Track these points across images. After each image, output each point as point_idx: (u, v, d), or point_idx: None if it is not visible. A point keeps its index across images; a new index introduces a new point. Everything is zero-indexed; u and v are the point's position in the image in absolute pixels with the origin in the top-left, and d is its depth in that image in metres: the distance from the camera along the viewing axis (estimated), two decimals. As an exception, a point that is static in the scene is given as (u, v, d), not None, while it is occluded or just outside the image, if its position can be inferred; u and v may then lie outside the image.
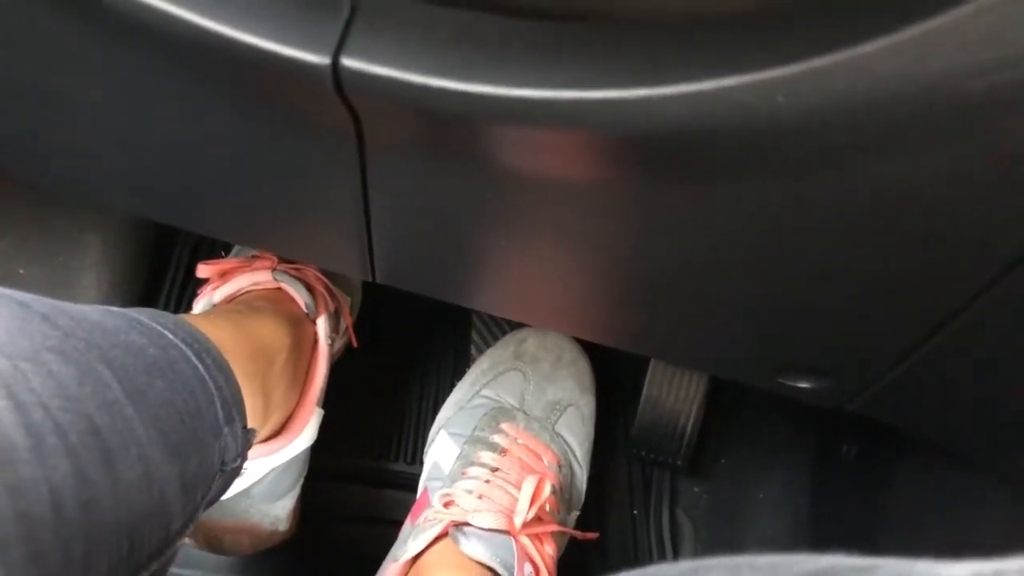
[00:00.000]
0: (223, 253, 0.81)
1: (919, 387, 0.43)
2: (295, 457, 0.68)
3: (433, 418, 0.76)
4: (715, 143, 0.28)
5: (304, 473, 0.71)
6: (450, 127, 0.32)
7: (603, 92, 0.27)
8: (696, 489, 0.85)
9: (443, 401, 0.77)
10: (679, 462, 0.81)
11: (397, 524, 0.70)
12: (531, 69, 0.28)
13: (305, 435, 0.67)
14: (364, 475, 0.82)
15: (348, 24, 0.30)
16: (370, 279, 0.50)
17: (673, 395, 0.78)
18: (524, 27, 0.29)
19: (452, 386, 0.78)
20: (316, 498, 0.76)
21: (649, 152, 0.29)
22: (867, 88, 0.25)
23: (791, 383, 0.45)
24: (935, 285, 0.36)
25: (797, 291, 0.38)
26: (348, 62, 0.30)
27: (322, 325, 0.71)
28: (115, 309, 0.46)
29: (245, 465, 0.59)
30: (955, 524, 0.57)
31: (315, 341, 0.71)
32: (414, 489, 0.74)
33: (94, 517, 0.33)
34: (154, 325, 0.47)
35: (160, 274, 0.88)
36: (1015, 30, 0.23)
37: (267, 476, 0.66)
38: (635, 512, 0.84)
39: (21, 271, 0.83)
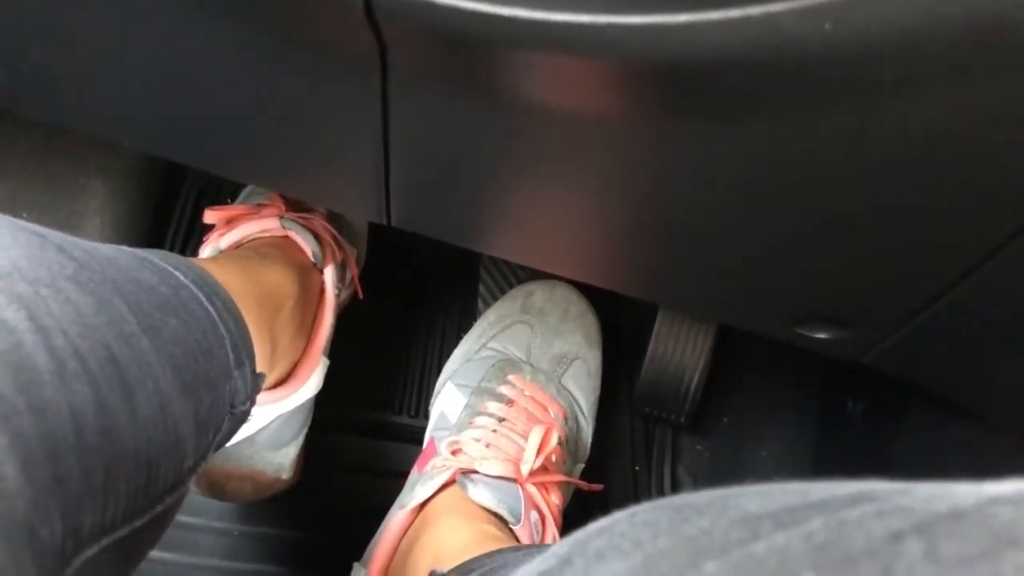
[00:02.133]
0: (229, 200, 0.80)
1: (935, 340, 0.43)
2: (300, 405, 0.68)
3: (438, 372, 0.76)
4: (758, 72, 0.27)
5: (308, 422, 0.71)
6: (478, 56, 0.31)
7: (644, 17, 0.26)
8: (698, 447, 0.85)
9: (449, 354, 0.77)
10: (682, 419, 0.81)
11: (401, 476, 0.70)
12: (569, -7, 0.28)
13: (311, 384, 0.67)
14: (369, 427, 0.82)
15: (380, -52, 0.29)
16: (384, 222, 0.50)
17: (678, 353, 0.78)
18: (562, -49, 0.28)
19: (458, 339, 0.78)
20: (320, 449, 0.76)
21: (686, 84, 0.29)
22: (916, 15, 0.24)
23: (809, 333, 0.45)
24: (960, 233, 0.35)
25: (820, 237, 0.38)
26: (380, -14, 0.29)
27: (329, 274, 0.70)
28: (126, 248, 0.45)
29: (252, 412, 0.59)
30: (961, 480, 0.57)
31: (322, 290, 0.71)
32: (418, 441, 0.74)
33: (114, 446, 0.33)
34: (165, 265, 0.47)
35: (165, 221, 0.88)
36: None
37: (272, 423, 0.66)
38: (637, 468, 0.84)
39: (24, 215, 0.83)
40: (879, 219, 0.35)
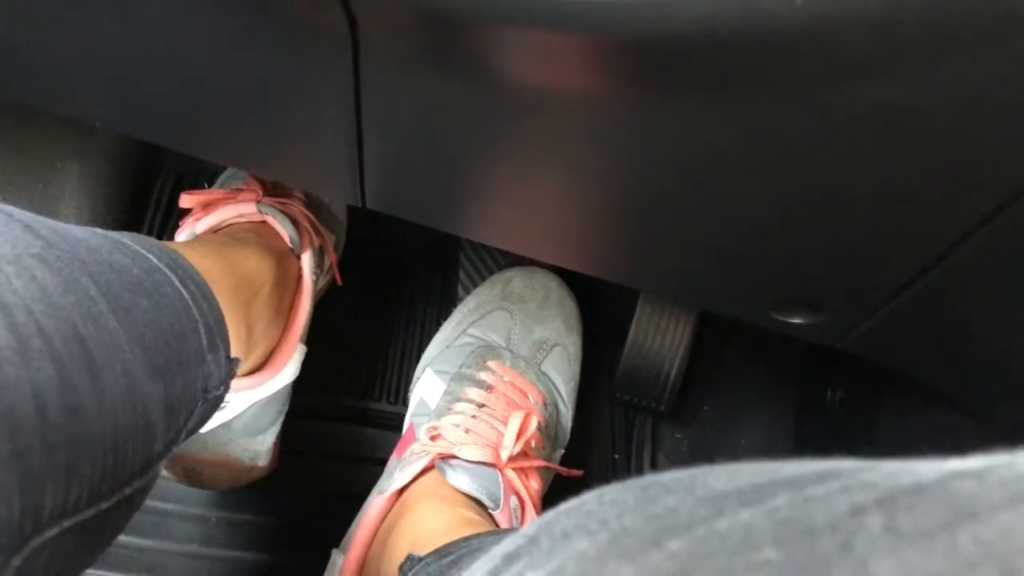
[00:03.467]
0: (206, 184, 0.79)
1: (912, 325, 0.43)
2: (277, 392, 0.67)
3: (418, 358, 0.76)
4: (729, 49, 0.27)
5: (285, 409, 0.70)
6: (449, 31, 0.31)
7: (615, -9, 0.26)
8: (678, 435, 0.85)
9: (428, 341, 0.76)
10: (662, 407, 0.81)
11: (380, 462, 0.70)
12: (539, -33, 0.27)
13: (288, 370, 0.67)
14: (347, 413, 0.82)
15: (349, -81, 0.29)
16: (359, 204, 0.49)
17: (658, 341, 0.78)
18: (533, -75, 0.28)
19: (438, 326, 0.77)
20: (298, 435, 0.76)
21: (659, 59, 0.28)
22: (890, -7, 0.24)
23: (785, 319, 0.44)
24: (934, 216, 0.35)
25: (793, 219, 0.37)
26: (349, -42, 0.29)
27: (307, 260, 0.70)
28: (98, 230, 0.45)
29: (227, 398, 0.58)
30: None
31: (299, 276, 0.70)
32: (397, 428, 0.73)
33: (79, 425, 0.33)
34: (138, 248, 0.46)
35: (142, 204, 0.87)
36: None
37: (248, 410, 0.66)
38: (616, 455, 0.84)
39: (0, 197, 0.82)
40: (851, 203, 0.34)
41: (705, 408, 0.84)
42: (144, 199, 0.87)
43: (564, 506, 0.26)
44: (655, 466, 0.83)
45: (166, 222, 0.87)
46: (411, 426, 0.69)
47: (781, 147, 0.32)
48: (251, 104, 0.43)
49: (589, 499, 0.26)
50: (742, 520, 0.20)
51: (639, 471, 0.82)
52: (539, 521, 0.26)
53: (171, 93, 0.44)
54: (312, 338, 0.70)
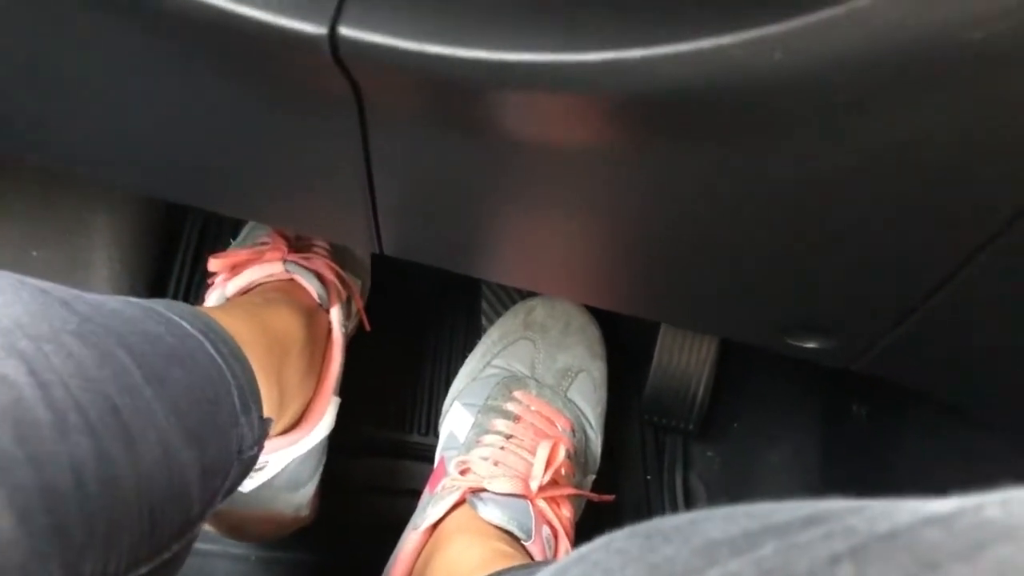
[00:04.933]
0: (231, 240, 0.81)
1: (923, 345, 0.44)
2: (315, 446, 0.68)
3: (446, 389, 0.77)
4: (714, 103, 0.28)
5: (324, 459, 0.71)
6: (448, 93, 0.32)
7: (599, 54, 0.27)
8: (709, 453, 0.85)
9: (455, 372, 0.77)
10: (691, 427, 0.82)
11: (415, 494, 0.71)
12: (526, 32, 0.28)
13: (323, 424, 0.68)
14: (381, 447, 0.83)
15: (344, -7, 0.30)
16: (377, 251, 0.50)
17: (683, 361, 0.78)
18: (519, -9, 0.29)
19: (464, 357, 0.78)
20: (335, 470, 0.77)
21: (648, 113, 0.29)
22: (864, 41, 0.24)
23: (798, 343, 0.45)
24: (936, 243, 0.36)
25: (798, 251, 0.38)
26: (345, 31, 0.30)
27: (336, 315, 0.71)
28: (132, 299, 0.46)
29: (266, 459, 0.60)
30: (968, 480, 0.57)
31: (329, 330, 0.71)
32: (431, 459, 0.74)
33: (116, 494, 0.34)
34: (171, 315, 0.47)
35: (171, 251, 0.89)
36: (1011, -22, 0.22)
37: (288, 467, 0.66)
38: (648, 477, 0.84)
39: (34, 253, 0.84)
40: (849, 233, 0.35)
41: (735, 425, 0.84)
42: (173, 244, 0.89)
43: (575, 553, 0.27)
44: (687, 486, 0.83)
45: (195, 267, 0.88)
46: (442, 460, 0.70)
47: (779, 186, 0.33)
48: (264, 163, 0.44)
49: (598, 547, 0.26)
50: (731, 570, 0.21)
51: (672, 492, 0.83)
52: (551, 569, 0.27)
53: (187, 157, 0.45)
54: (342, 373, 0.71)
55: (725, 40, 0.26)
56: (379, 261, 0.83)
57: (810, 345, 0.45)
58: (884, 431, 0.66)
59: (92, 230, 0.84)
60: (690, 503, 0.83)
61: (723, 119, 0.29)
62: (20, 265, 0.84)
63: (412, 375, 0.87)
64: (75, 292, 0.40)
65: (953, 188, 0.32)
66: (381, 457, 0.83)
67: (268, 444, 0.59)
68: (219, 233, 0.89)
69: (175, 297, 0.87)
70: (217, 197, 0.50)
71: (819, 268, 0.38)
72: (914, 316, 0.40)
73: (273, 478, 0.65)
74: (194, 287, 0.88)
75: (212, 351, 0.48)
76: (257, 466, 0.60)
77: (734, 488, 0.82)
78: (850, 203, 0.33)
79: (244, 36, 0.31)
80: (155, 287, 0.87)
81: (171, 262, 0.89)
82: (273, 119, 0.39)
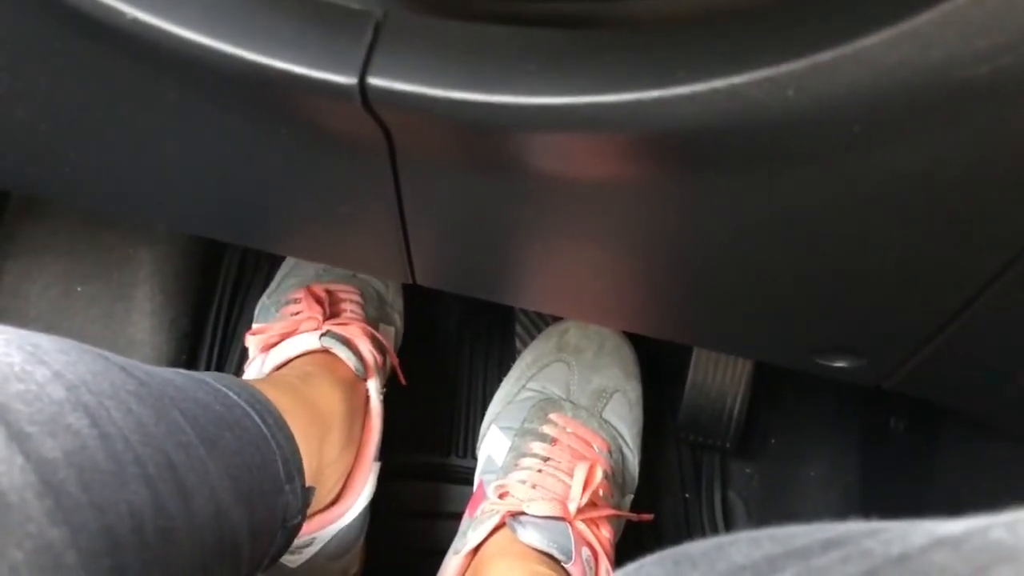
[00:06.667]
0: (269, 271, 0.82)
1: (951, 363, 0.44)
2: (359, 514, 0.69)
3: (483, 412, 0.78)
4: (731, 139, 0.28)
5: (367, 522, 0.71)
6: (477, 136, 0.33)
7: (618, 95, 0.28)
8: (747, 470, 0.85)
9: (492, 395, 0.78)
10: (728, 444, 0.82)
11: (456, 516, 0.72)
12: (549, 77, 0.29)
13: (365, 494, 0.68)
14: (421, 471, 0.84)
15: (372, 44, 0.32)
16: (410, 281, 0.52)
17: (719, 379, 0.78)
18: (540, 36, 0.30)
19: (499, 381, 0.79)
20: (377, 496, 0.78)
21: (668, 150, 0.30)
22: (873, 79, 0.25)
23: (828, 363, 0.45)
24: (958, 265, 0.36)
25: (822, 276, 0.39)
26: (375, 80, 0.31)
27: (373, 386, 0.71)
28: (182, 370, 0.49)
29: (312, 536, 0.61)
30: (1007, 495, 0.57)
31: (367, 399, 0.71)
32: (471, 482, 0.75)
33: (171, 546, 0.35)
34: (219, 385, 0.50)
35: (211, 284, 0.91)
36: (1014, 15, 0.23)
37: (333, 538, 0.67)
38: (687, 495, 0.84)
39: (79, 288, 0.87)
40: (874, 256, 0.36)
41: (772, 441, 0.84)
42: (213, 277, 0.91)
43: None
44: (726, 503, 0.83)
45: (234, 300, 0.90)
46: (481, 483, 0.70)
47: (798, 215, 0.34)
48: (299, 203, 0.45)
49: (630, 572, 0.27)
50: None
51: (710, 510, 0.83)
52: None
53: (225, 200, 0.47)
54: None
55: (739, 79, 0.26)
56: (414, 288, 0.84)
57: (839, 364, 0.45)
58: (922, 445, 0.65)
59: (135, 265, 0.87)
60: (729, 520, 0.83)
61: (740, 154, 0.30)
62: (66, 299, 0.86)
63: (449, 398, 0.88)
64: (133, 362, 0.43)
65: (970, 214, 0.32)
66: (422, 481, 0.84)
67: (312, 521, 0.61)
68: (258, 263, 0.91)
69: (215, 327, 0.89)
70: (254, 235, 0.52)
71: (842, 293, 0.39)
72: (941, 336, 0.40)
73: (319, 551, 0.66)
74: (233, 318, 0.90)
75: (258, 420, 0.49)
76: (303, 543, 0.62)
77: (773, 504, 0.82)
78: (868, 230, 0.34)
79: (277, 87, 0.33)
80: (196, 317, 0.89)
81: (211, 294, 0.91)
82: (307, 163, 0.41)
